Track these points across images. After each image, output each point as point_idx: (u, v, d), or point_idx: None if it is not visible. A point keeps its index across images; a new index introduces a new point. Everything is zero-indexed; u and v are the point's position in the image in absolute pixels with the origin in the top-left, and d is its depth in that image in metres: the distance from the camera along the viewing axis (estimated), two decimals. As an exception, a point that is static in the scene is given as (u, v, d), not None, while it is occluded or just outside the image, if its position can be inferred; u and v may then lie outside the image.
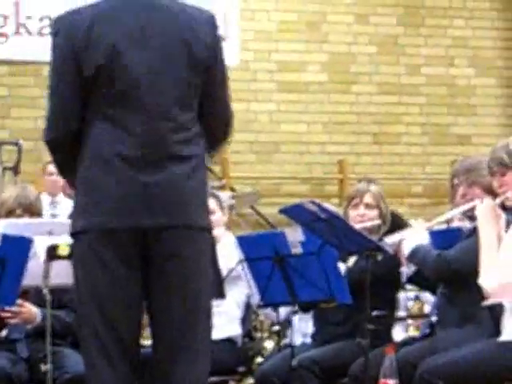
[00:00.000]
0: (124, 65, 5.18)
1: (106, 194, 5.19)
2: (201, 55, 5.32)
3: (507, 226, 6.53)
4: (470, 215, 7.13)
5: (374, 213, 7.84)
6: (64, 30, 5.31)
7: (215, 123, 5.45)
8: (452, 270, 7.00)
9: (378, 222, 7.79)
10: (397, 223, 8.09)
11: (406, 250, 7.17)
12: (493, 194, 6.85)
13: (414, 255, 7.15)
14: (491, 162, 6.75)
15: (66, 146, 5.33)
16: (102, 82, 5.20)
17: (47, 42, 5.45)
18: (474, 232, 7.01)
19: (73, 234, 5.35)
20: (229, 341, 8.21)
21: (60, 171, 5.57)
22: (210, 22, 5.47)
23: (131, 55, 5.19)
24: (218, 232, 6.56)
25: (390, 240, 7.33)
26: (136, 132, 5.17)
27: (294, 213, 7.18)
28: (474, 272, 6.53)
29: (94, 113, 5.23)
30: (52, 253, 7.23)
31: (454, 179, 7.38)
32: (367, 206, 7.85)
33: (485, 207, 6.55)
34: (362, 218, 7.72)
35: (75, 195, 5.46)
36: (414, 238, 7.21)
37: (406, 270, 7.42)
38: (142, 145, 5.17)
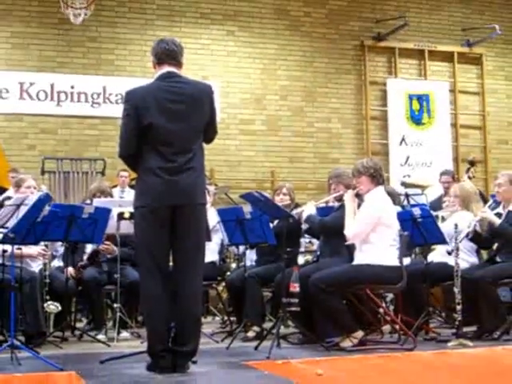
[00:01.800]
0: (162, 123, 5.24)
1: (152, 187, 5.24)
2: (205, 113, 5.42)
3: (358, 206, 6.66)
4: (338, 199, 7.19)
5: (287, 198, 7.88)
6: (130, 99, 5.38)
7: (211, 135, 5.54)
8: (327, 227, 7.06)
9: (289, 202, 7.84)
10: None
11: (303, 216, 7.22)
12: (349, 188, 6.92)
13: (307, 220, 7.20)
14: (353, 170, 6.85)
15: (130, 159, 5.40)
16: (151, 130, 5.26)
17: (120, 106, 5.52)
18: (339, 208, 7.09)
19: (135, 208, 5.41)
20: (212, 263, 8.22)
21: (132, 170, 5.69)
22: (209, 90, 5.58)
23: (164, 115, 5.27)
24: (207, 207, 6.66)
25: (296, 211, 7.39)
26: (168, 157, 5.24)
27: (247, 197, 7.20)
28: (340, 229, 6.62)
29: (146, 144, 5.28)
30: (120, 216, 7.26)
31: (329, 180, 7.42)
32: (284, 194, 7.89)
33: (349, 194, 6.71)
34: (281, 201, 7.74)
35: (135, 188, 5.54)
36: (308, 210, 7.25)
37: (303, 227, 7.45)
38: (171, 163, 5.23)
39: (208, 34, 14.08)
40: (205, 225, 5.66)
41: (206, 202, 5.60)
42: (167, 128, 5.29)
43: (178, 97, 5.38)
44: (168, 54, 5.51)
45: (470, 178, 9.82)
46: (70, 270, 7.64)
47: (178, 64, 5.55)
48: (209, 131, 5.55)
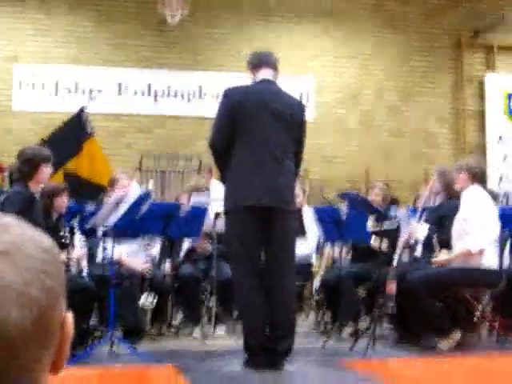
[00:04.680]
0: (256, 120, 5.29)
1: (246, 186, 5.31)
2: (296, 123, 5.48)
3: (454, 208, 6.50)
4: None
5: (379, 198, 7.75)
6: (228, 95, 5.46)
7: (298, 158, 5.54)
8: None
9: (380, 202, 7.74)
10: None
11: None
12: (448, 186, 6.82)
13: None
14: (456, 166, 6.70)
15: (219, 151, 5.46)
16: (245, 126, 5.31)
17: (216, 104, 5.63)
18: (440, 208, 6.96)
19: (227, 207, 5.50)
20: (307, 264, 8.24)
21: (217, 166, 5.72)
22: (302, 106, 5.67)
23: (260, 116, 5.32)
24: (300, 203, 6.68)
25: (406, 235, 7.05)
26: (262, 158, 5.33)
27: (345, 196, 7.18)
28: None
29: (239, 139, 5.34)
30: (217, 215, 7.31)
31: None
32: (376, 194, 7.79)
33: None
34: (373, 200, 7.64)
35: (227, 185, 5.57)
36: (421, 233, 6.96)
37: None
38: (266, 164, 5.31)
39: (302, 31, 14.07)
40: (295, 228, 5.69)
41: (295, 208, 5.67)
42: (265, 129, 5.36)
43: (277, 101, 5.48)
44: (265, 60, 5.68)
45: None
46: (167, 266, 7.76)
47: (276, 70, 5.68)
48: (298, 153, 5.63)
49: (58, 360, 1.18)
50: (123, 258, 7.15)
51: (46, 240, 1.17)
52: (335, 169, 13.91)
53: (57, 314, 1.15)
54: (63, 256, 6.00)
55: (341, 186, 12.53)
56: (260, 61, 5.67)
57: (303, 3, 14.10)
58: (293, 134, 5.50)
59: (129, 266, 7.22)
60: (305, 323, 8.76)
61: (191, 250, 7.94)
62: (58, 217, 6.54)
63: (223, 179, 5.64)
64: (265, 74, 5.61)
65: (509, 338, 6.56)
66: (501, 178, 14.04)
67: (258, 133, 5.36)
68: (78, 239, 6.31)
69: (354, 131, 14.15)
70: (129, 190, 7.30)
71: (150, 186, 8.12)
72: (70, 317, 1.19)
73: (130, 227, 6.36)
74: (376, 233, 7.18)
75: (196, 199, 7.88)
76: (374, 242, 7.35)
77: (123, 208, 6.08)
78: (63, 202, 6.62)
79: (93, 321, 6.81)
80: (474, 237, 6.25)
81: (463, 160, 6.75)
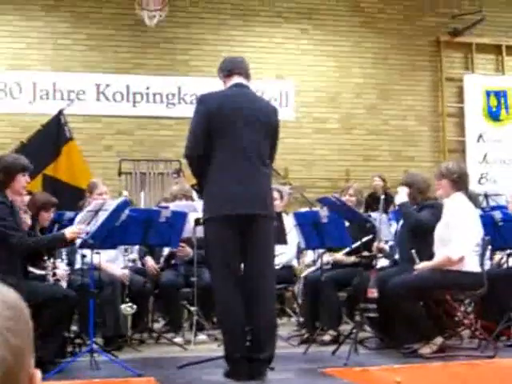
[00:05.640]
0: (232, 127, 5.25)
1: (225, 194, 5.28)
2: (271, 128, 5.45)
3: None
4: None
5: (353, 199, 7.68)
6: (203, 102, 5.40)
7: (272, 156, 5.49)
8: (421, 225, 6.71)
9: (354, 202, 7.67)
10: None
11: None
12: (422, 193, 6.81)
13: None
14: (436, 172, 6.63)
15: (196, 161, 5.40)
16: (221, 133, 5.26)
17: (193, 107, 5.55)
18: (424, 208, 6.91)
19: (207, 216, 5.43)
20: (289, 267, 8.19)
21: (194, 175, 5.63)
22: (275, 110, 5.63)
23: (237, 123, 5.26)
24: (279, 206, 6.63)
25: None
26: (241, 164, 5.29)
27: (324, 201, 7.13)
28: (430, 230, 6.50)
29: (215, 147, 5.28)
30: (197, 222, 7.24)
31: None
32: (350, 195, 7.72)
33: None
34: (347, 201, 7.54)
35: (205, 192, 5.49)
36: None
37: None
38: (245, 170, 5.29)
39: (282, 33, 14.02)
40: (274, 233, 5.61)
41: (274, 213, 5.61)
42: (241, 135, 5.28)
43: (252, 107, 5.42)
44: (236, 65, 5.61)
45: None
46: (150, 261, 7.71)
47: (247, 76, 5.61)
48: (271, 156, 5.58)
49: None
50: (102, 264, 7.08)
51: (11, 295, 1.12)
52: (316, 169, 13.88)
53: (24, 372, 1.10)
54: (42, 260, 5.94)
55: (321, 187, 12.51)
56: (233, 68, 5.59)
57: (282, 4, 14.05)
58: (268, 138, 5.45)
59: (107, 271, 7.15)
60: (287, 327, 8.75)
61: (172, 254, 7.89)
62: (40, 228, 6.49)
63: (200, 188, 5.56)
64: (238, 80, 5.55)
65: (490, 343, 6.54)
66: (480, 178, 14.08)
67: (234, 139, 5.29)
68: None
69: (333, 131, 14.13)
70: (107, 198, 7.25)
71: (125, 194, 8.06)
72: (38, 374, 1.15)
73: (108, 236, 6.30)
74: (355, 250, 7.14)
75: (178, 204, 7.84)
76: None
77: (102, 216, 6.01)
78: (49, 216, 6.62)
79: (74, 329, 6.75)
80: (455, 244, 6.21)
81: (444, 164, 6.66)
